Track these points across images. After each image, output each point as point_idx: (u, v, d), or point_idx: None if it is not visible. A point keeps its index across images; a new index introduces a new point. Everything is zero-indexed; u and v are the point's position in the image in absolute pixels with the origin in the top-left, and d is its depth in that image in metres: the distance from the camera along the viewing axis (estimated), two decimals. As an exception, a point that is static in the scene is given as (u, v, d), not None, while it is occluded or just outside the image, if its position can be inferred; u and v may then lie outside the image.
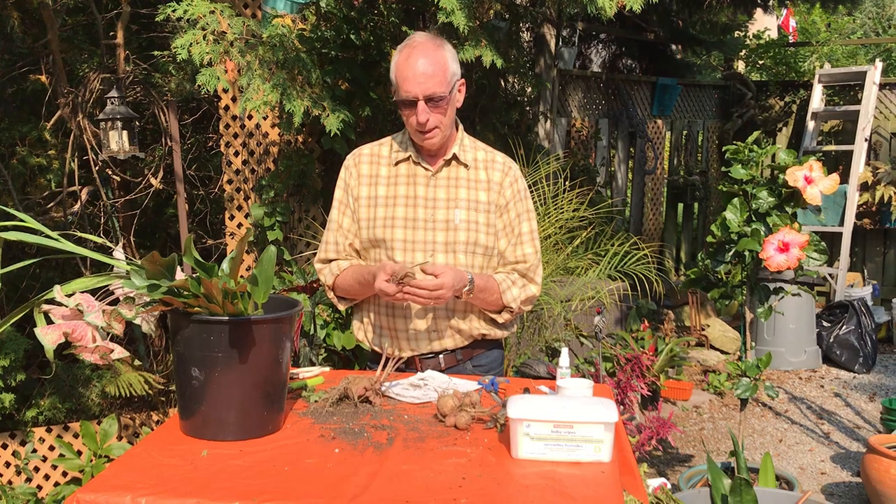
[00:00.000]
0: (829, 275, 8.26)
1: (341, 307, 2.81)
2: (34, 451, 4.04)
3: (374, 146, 2.77)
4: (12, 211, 2.22)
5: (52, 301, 2.04)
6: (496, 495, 1.76)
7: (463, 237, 2.64)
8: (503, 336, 2.81)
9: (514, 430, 1.94)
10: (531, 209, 2.77)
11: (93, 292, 2.10)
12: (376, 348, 2.77)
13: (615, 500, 1.78)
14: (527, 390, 2.50)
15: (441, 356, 2.72)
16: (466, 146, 2.72)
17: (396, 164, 2.71)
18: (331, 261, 2.78)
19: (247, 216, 4.94)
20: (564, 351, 2.52)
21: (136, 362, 4.43)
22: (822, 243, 3.69)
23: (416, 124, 2.55)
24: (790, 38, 10.77)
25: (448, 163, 2.69)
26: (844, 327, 7.15)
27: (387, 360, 2.43)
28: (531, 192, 5.18)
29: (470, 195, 2.68)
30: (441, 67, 2.53)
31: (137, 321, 2.08)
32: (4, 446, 4.01)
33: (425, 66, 2.50)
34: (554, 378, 2.54)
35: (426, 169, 2.68)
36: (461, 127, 2.74)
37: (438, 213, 2.65)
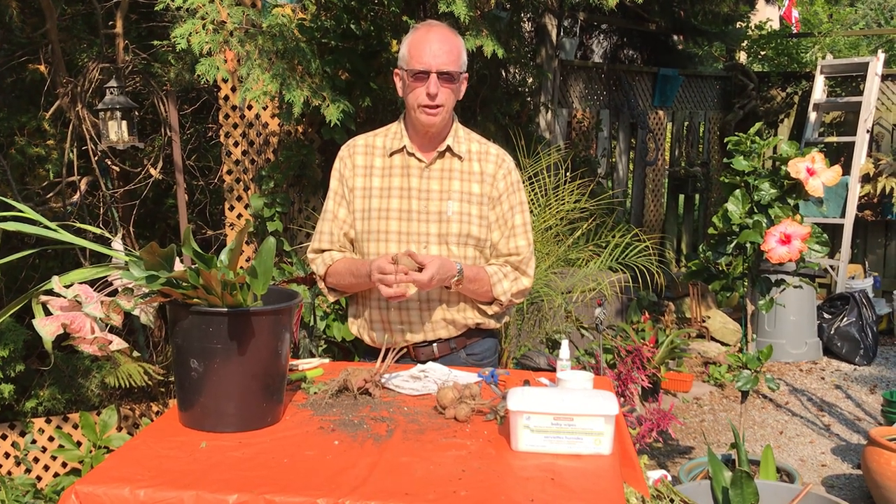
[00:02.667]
0: (831, 266, 8.25)
1: (331, 298, 2.82)
2: (33, 441, 4.04)
3: (369, 137, 2.78)
4: (11, 201, 2.21)
5: (50, 292, 2.03)
6: (496, 487, 1.75)
7: (455, 229, 2.65)
8: (497, 326, 2.82)
9: (514, 422, 1.93)
10: (524, 201, 2.78)
11: (91, 283, 2.09)
12: (369, 341, 2.78)
13: (615, 492, 1.77)
14: (527, 382, 2.49)
15: (435, 345, 2.73)
16: (461, 138, 2.73)
17: (391, 154, 2.71)
18: (324, 251, 2.77)
19: (246, 207, 4.93)
20: (565, 343, 2.51)
21: (135, 353, 4.42)
22: (824, 235, 3.68)
23: (423, 97, 2.56)
24: (793, 28, 10.72)
25: (442, 154, 2.69)
26: (845, 319, 7.15)
27: (387, 351, 2.42)
28: (532, 183, 5.18)
29: (463, 187, 2.68)
30: (457, 49, 2.60)
31: (136, 312, 2.07)
32: (4, 437, 4.01)
33: (442, 42, 2.56)
34: (554, 370, 2.53)
35: (420, 160, 2.68)
36: (456, 119, 2.75)
37: (432, 204, 2.66)
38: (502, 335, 4.79)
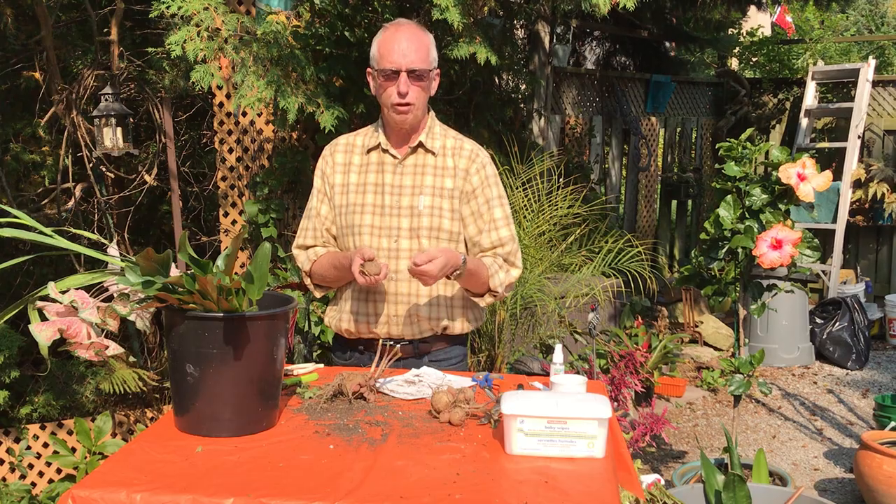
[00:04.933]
0: (823, 272, 8.28)
1: (317, 294, 2.85)
2: (28, 448, 4.04)
3: (350, 136, 2.84)
4: (6, 208, 2.22)
5: (46, 298, 2.04)
6: (490, 491, 1.76)
7: (426, 223, 2.69)
8: (463, 332, 2.83)
9: (507, 425, 1.95)
10: (503, 195, 2.81)
11: (87, 289, 2.10)
12: (334, 329, 2.83)
13: (610, 495, 1.79)
14: (521, 386, 2.50)
15: (398, 347, 2.73)
16: (436, 133, 2.77)
17: (368, 152, 2.76)
18: (308, 247, 2.82)
19: (241, 213, 4.94)
20: (558, 347, 2.53)
21: (131, 359, 4.43)
22: (815, 240, 3.71)
23: (395, 96, 2.61)
24: (787, 33, 10.77)
25: (414, 150, 2.74)
26: (837, 324, 7.18)
27: (381, 355, 2.44)
28: (525, 189, 5.20)
29: (436, 182, 2.72)
30: (425, 46, 2.63)
31: (132, 318, 2.08)
32: (-1, 443, 4.01)
33: (410, 41, 2.60)
34: (548, 375, 2.55)
35: (394, 156, 2.73)
36: (432, 114, 2.79)
37: (403, 199, 2.71)
38: (495, 340, 4.80)
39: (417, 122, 2.71)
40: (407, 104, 2.61)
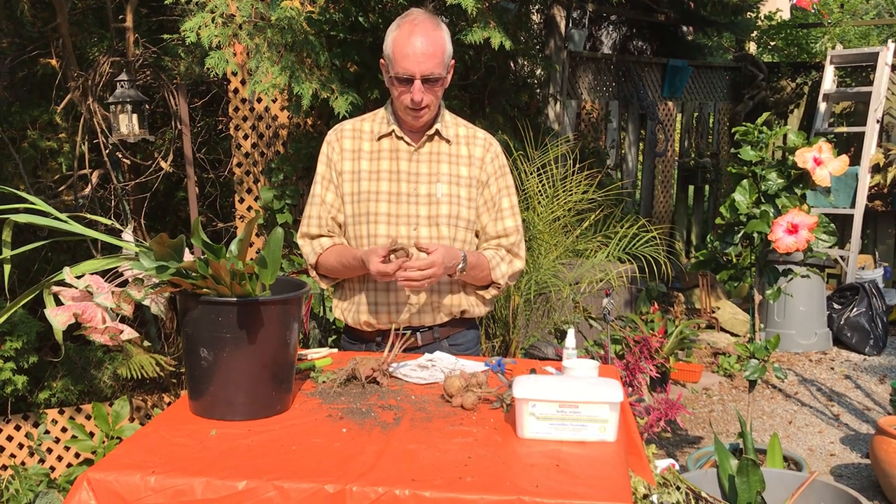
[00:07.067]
0: (841, 257, 8.23)
1: (324, 285, 2.83)
2: (47, 432, 4.08)
3: (356, 122, 2.80)
4: (23, 194, 2.24)
5: (61, 282, 2.06)
6: (501, 474, 1.77)
7: (445, 210, 2.69)
8: (480, 315, 2.85)
9: (519, 409, 1.95)
10: (511, 185, 2.81)
11: (102, 274, 2.12)
12: (353, 324, 2.80)
13: (620, 479, 1.79)
14: (533, 371, 2.51)
15: (419, 333, 2.75)
16: (448, 122, 2.76)
17: (379, 138, 2.74)
18: (314, 236, 2.79)
19: (256, 199, 4.96)
20: (570, 332, 2.53)
21: (146, 343, 4.46)
22: (832, 225, 3.68)
23: (409, 102, 2.58)
24: (816, 10, 10.64)
25: (431, 138, 2.73)
26: (855, 309, 7.14)
27: (394, 341, 2.45)
28: (540, 174, 5.19)
29: (451, 170, 2.72)
30: (440, 48, 2.56)
31: (147, 303, 2.10)
32: (18, 428, 4.05)
33: (425, 45, 2.52)
34: (561, 360, 2.55)
35: (409, 144, 2.71)
36: (442, 104, 2.77)
37: (421, 187, 2.69)
38: (510, 326, 4.81)
39: (432, 118, 2.70)
40: (423, 108, 2.60)
